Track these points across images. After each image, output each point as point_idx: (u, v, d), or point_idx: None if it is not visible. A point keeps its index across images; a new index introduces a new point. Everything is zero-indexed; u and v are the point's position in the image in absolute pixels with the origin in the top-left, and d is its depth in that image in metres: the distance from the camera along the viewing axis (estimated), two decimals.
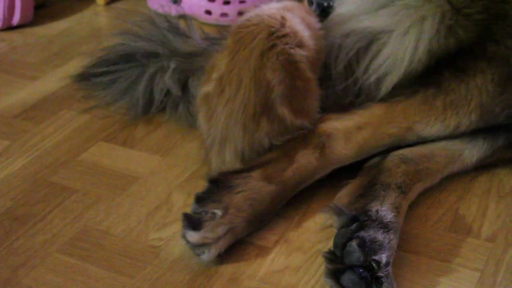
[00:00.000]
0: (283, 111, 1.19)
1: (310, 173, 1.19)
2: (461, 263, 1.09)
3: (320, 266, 1.08)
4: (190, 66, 1.49)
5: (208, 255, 1.08)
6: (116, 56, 1.58)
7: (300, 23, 1.26)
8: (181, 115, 1.46)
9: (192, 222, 1.08)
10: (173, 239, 1.15)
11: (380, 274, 0.99)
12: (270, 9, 1.27)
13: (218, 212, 1.09)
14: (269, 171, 1.15)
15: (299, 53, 1.22)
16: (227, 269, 1.09)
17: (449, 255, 1.11)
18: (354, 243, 1.01)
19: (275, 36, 1.21)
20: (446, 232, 1.16)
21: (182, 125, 1.45)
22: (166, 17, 1.61)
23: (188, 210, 1.21)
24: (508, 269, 1.07)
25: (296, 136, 1.19)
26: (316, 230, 1.16)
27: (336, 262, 1.02)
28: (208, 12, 1.98)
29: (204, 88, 1.26)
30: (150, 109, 1.49)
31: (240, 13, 1.95)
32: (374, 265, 0.99)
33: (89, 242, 1.15)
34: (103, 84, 1.56)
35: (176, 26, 1.59)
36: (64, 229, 1.18)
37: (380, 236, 1.04)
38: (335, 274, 1.00)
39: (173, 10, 2.02)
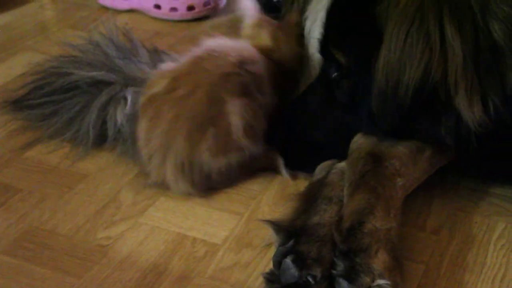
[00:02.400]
0: (232, 125, 1.19)
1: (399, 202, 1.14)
2: (407, 256, 1.11)
3: (269, 262, 1.08)
4: None
5: None
6: (56, 86, 1.42)
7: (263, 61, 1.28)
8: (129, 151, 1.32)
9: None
10: (121, 237, 1.14)
11: None
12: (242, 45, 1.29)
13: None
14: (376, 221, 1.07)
15: (259, 97, 1.24)
16: (177, 267, 1.08)
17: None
18: (288, 260, 0.99)
19: (243, 67, 1.22)
20: None
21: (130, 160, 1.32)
22: (112, 40, 1.48)
23: (137, 208, 1.21)
24: (452, 261, 1.10)
25: (362, 170, 1.13)
26: (265, 225, 1.16)
27: (274, 282, 1.00)
28: (157, 7, 1.95)
29: (151, 90, 1.23)
30: (104, 143, 1.35)
31: (190, 8, 1.95)
32: (310, 280, 0.98)
33: (34, 242, 1.13)
34: (43, 116, 1.40)
35: (125, 50, 1.47)
36: (8, 230, 1.15)
37: (315, 250, 1.03)
38: None
39: (121, 5, 2.00)
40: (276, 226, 1.10)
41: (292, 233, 1.07)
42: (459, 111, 1.06)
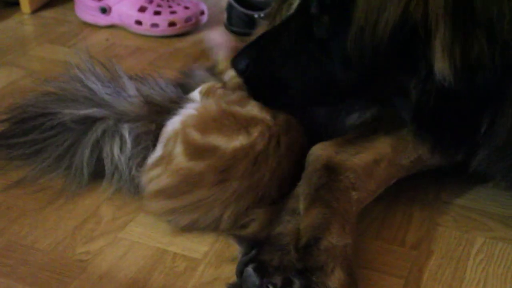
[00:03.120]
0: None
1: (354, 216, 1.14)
2: (386, 270, 1.12)
3: None
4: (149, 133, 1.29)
5: None
6: (37, 124, 1.32)
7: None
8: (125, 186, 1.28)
9: None
10: (100, 252, 1.13)
11: None
12: None
13: None
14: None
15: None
16: (156, 282, 1.08)
17: (375, 263, 1.13)
18: (249, 268, 1.00)
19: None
20: (373, 240, 1.19)
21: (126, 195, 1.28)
22: (94, 74, 1.37)
23: (117, 223, 1.20)
24: (431, 275, 1.11)
25: (318, 183, 1.13)
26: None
27: None
28: (139, 23, 1.96)
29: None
30: (98, 179, 1.29)
31: (171, 24, 1.96)
32: None
33: (12, 258, 1.12)
34: (25, 155, 1.32)
35: (110, 83, 1.37)
36: None
37: (277, 259, 1.03)
38: None
39: (101, 21, 2.01)
40: (239, 237, 1.11)
41: (255, 243, 1.07)
42: (432, 60, 1.04)
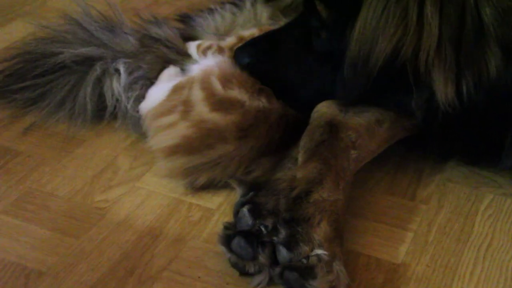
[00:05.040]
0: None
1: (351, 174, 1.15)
2: (396, 224, 1.14)
3: None
4: (139, 68, 1.35)
5: None
6: (40, 68, 1.38)
7: None
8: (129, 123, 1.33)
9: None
10: (118, 201, 1.17)
11: (266, 239, 1.00)
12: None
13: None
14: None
15: None
16: (172, 230, 1.11)
17: (386, 217, 1.16)
18: (245, 209, 1.03)
19: None
20: (384, 195, 1.21)
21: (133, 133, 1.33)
22: (92, 17, 1.44)
23: (134, 173, 1.23)
24: (440, 229, 1.13)
25: (319, 139, 1.14)
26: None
27: (229, 229, 1.03)
28: None
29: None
30: (103, 116, 1.35)
31: None
32: (263, 229, 1.01)
33: (33, 204, 1.15)
34: (30, 100, 1.37)
35: (106, 23, 1.43)
36: (8, 191, 1.18)
37: (272, 202, 1.05)
38: (226, 239, 1.02)
39: None
40: (239, 180, 1.13)
41: (253, 186, 1.10)
42: (433, 88, 1.07)
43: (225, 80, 1.18)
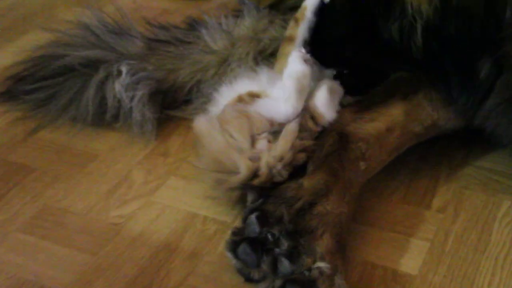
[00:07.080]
0: None
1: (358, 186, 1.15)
2: (412, 233, 1.14)
3: None
4: (144, 69, 1.38)
5: None
6: (49, 70, 1.42)
7: None
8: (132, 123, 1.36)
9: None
10: (133, 216, 1.17)
11: (271, 247, 1.00)
12: None
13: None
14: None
15: None
16: (188, 245, 1.11)
17: (401, 226, 1.15)
18: (253, 216, 1.03)
19: None
20: (399, 204, 1.20)
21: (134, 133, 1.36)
22: (101, 20, 1.47)
23: (148, 187, 1.23)
24: (457, 238, 1.12)
25: (329, 149, 1.14)
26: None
27: (237, 234, 1.03)
28: None
29: None
30: (103, 117, 1.37)
31: None
32: (269, 237, 1.01)
33: (49, 221, 1.16)
34: (39, 102, 1.41)
35: (113, 27, 1.47)
36: (24, 208, 1.18)
37: (280, 210, 1.05)
38: (233, 246, 1.02)
39: None
40: (250, 186, 1.12)
41: (263, 193, 1.09)
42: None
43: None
